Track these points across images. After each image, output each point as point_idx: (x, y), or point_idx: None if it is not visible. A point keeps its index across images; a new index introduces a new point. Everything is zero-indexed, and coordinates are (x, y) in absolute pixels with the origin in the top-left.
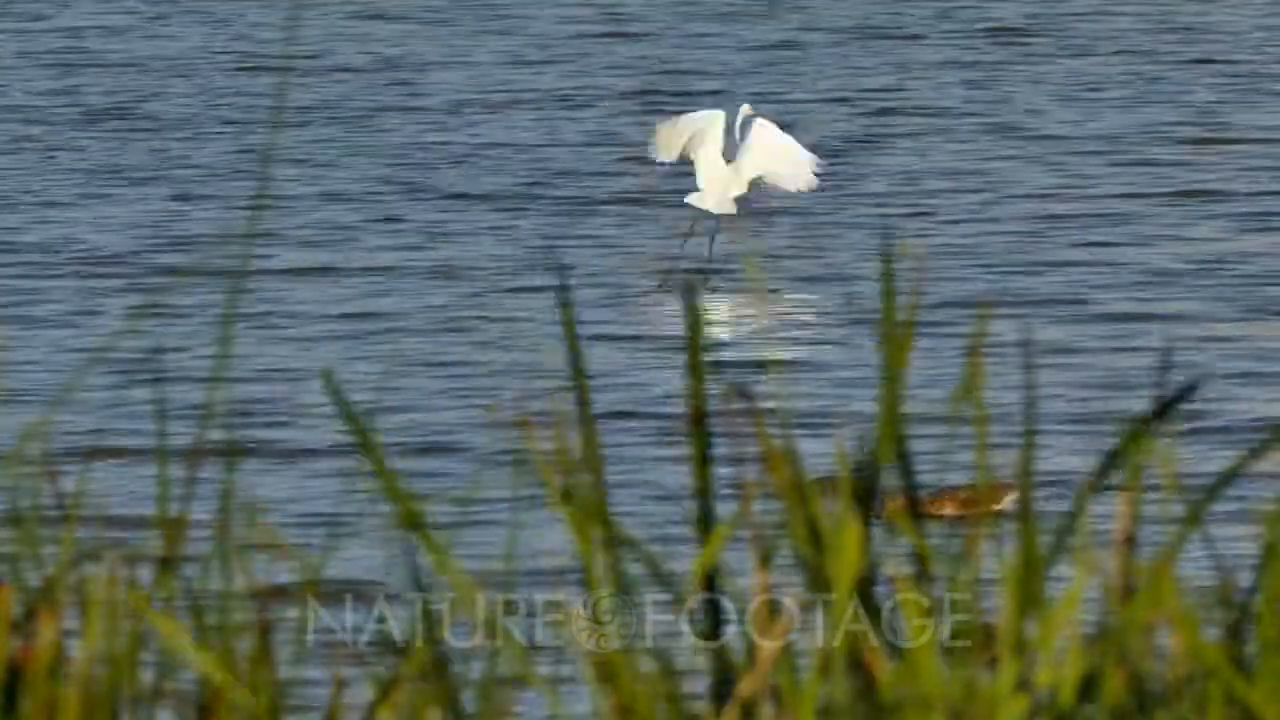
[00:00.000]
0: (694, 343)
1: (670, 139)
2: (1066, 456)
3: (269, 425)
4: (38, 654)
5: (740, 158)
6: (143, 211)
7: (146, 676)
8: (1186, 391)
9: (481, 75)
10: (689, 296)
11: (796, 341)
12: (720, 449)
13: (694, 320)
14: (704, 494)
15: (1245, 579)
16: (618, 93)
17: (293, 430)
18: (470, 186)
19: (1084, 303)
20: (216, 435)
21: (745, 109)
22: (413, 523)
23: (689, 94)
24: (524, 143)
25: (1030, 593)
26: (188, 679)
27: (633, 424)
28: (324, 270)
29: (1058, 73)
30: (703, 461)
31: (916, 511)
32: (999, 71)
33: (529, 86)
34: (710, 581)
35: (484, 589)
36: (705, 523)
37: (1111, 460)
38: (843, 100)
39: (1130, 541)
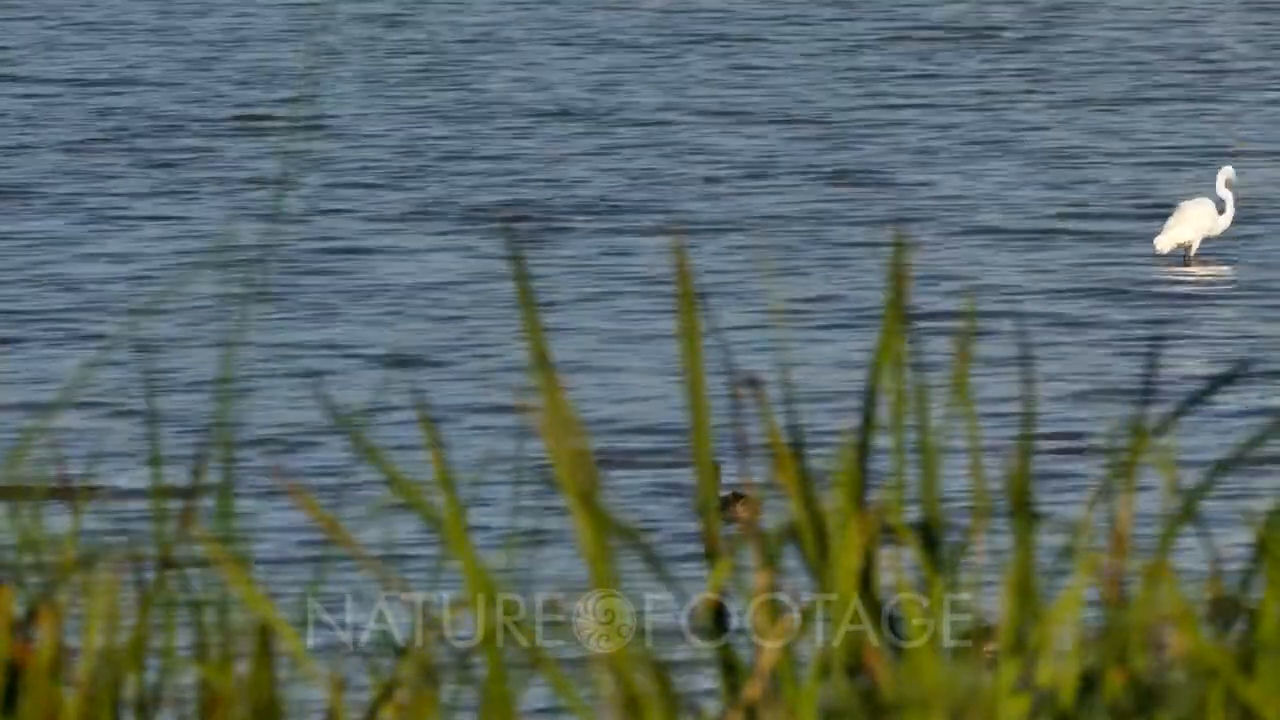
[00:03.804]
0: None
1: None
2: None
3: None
4: (38, 654)
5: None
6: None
7: (148, 677)
8: (1226, 379)
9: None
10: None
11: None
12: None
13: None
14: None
15: (1244, 579)
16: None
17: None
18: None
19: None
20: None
21: (1227, 172)
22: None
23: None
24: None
25: (1028, 594)
26: (188, 679)
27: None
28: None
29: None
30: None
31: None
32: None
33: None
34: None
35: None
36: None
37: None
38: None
39: (1128, 542)
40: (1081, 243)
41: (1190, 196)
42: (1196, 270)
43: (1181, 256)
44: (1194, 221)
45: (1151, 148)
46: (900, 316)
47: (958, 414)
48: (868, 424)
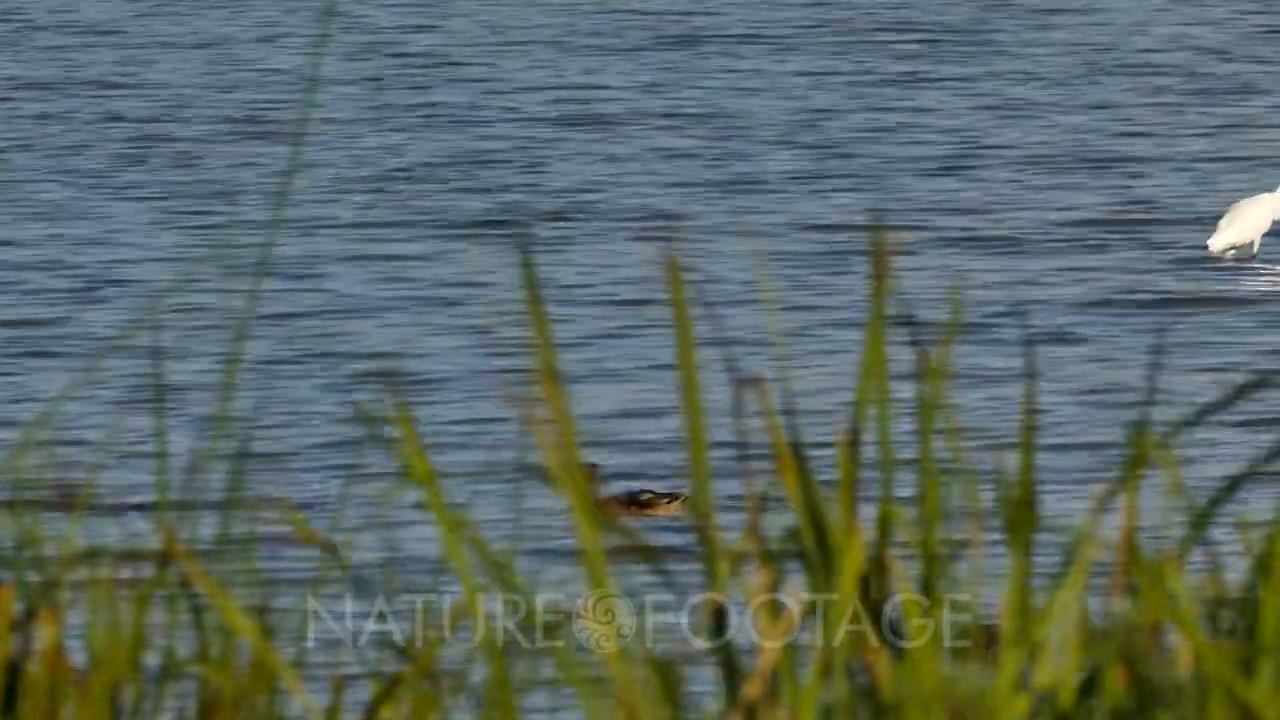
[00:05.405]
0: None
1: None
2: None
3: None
4: (38, 654)
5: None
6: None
7: (148, 677)
8: (1248, 389)
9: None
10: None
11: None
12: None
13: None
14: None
15: (1246, 579)
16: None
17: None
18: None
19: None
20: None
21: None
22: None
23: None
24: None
25: (1028, 594)
26: (188, 679)
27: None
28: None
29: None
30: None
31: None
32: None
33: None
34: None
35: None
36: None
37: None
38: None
39: (1132, 542)
40: (1123, 249)
41: (1248, 195)
42: (1247, 274)
43: (1236, 256)
44: (1253, 220)
45: (1191, 152)
46: (884, 317)
47: (948, 417)
48: (858, 425)
